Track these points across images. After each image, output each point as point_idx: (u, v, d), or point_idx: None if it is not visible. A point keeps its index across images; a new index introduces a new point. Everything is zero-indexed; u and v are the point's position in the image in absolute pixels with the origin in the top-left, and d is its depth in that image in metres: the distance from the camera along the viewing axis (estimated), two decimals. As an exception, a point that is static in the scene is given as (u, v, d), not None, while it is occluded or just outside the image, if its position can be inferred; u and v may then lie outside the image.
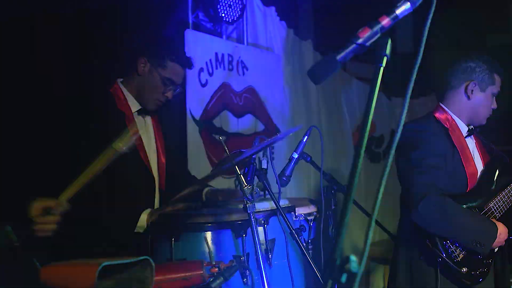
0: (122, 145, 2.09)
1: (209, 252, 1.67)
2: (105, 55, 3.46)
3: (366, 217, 3.45)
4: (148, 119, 2.94)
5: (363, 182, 6.24)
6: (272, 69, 4.95)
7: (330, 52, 1.27)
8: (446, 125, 2.86)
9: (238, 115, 4.57)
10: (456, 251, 2.72)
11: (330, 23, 6.11)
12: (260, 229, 2.56)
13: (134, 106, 2.84)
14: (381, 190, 1.14)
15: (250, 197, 2.05)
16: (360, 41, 1.24)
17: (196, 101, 4.15)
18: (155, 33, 3.64)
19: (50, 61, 3.25)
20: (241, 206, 2.34)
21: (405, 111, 1.17)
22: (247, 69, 4.65)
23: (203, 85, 4.21)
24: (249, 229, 2.30)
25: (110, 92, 2.82)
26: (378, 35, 1.24)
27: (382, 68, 1.22)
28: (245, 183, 2.07)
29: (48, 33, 3.23)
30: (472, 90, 2.88)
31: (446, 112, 2.92)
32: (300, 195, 5.05)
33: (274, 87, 4.99)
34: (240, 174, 2.09)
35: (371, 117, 1.17)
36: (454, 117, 2.92)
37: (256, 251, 2.10)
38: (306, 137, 2.79)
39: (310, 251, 2.92)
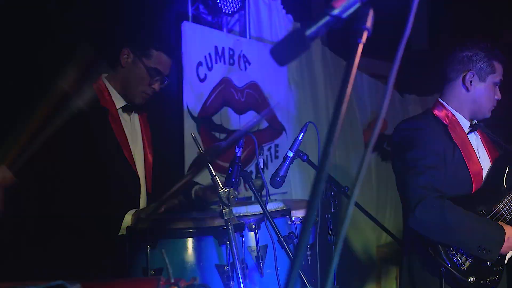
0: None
1: (167, 266, 1.44)
2: (89, 48, 3.27)
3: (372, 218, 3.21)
4: (135, 116, 2.78)
5: (375, 181, 6.01)
6: (277, 64, 4.70)
7: (304, 26, 1.04)
8: (445, 122, 2.62)
9: (240, 111, 4.35)
10: (461, 259, 2.46)
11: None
12: (251, 234, 2.36)
13: (119, 102, 2.69)
14: (361, 175, 0.93)
15: (227, 202, 1.82)
16: (335, 12, 1.01)
17: (194, 97, 3.93)
18: (138, 22, 3.44)
19: (28, 54, 3.07)
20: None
21: (388, 97, 0.95)
22: (249, 64, 4.42)
23: (202, 80, 4.00)
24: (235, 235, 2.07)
25: (93, 88, 2.64)
26: (358, 4, 1.01)
27: (361, 45, 0.99)
28: (220, 185, 1.83)
29: (27, 25, 3.05)
30: (470, 81, 2.64)
31: (445, 108, 2.69)
32: (306, 197, 4.81)
33: (279, 82, 4.75)
34: (215, 176, 1.86)
35: (345, 103, 0.94)
36: (455, 112, 2.68)
37: (234, 262, 1.87)
38: (302, 134, 2.57)
39: (309, 258, 2.69)
